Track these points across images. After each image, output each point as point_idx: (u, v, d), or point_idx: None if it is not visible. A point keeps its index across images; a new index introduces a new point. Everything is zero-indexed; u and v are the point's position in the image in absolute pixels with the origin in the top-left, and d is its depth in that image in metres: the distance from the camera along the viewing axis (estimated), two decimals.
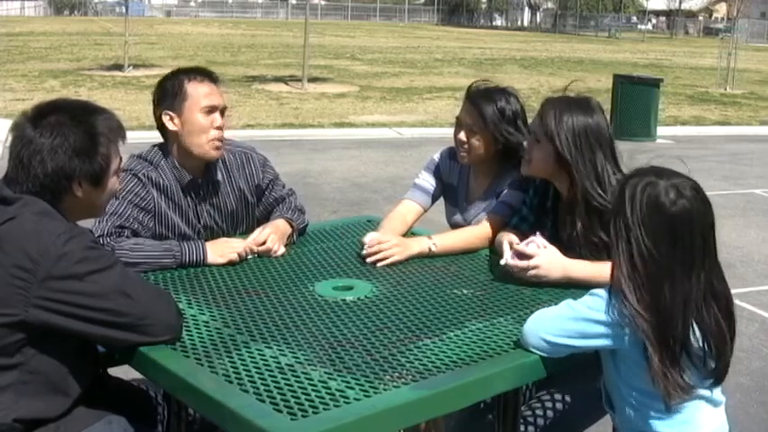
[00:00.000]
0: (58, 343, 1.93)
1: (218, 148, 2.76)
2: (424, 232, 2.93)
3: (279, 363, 1.91)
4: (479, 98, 2.88)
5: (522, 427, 2.39)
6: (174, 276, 2.51)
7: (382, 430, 1.76)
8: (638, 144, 11.29)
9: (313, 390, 1.78)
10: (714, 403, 2.04)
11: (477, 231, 2.86)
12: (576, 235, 2.54)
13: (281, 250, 2.75)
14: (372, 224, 3.12)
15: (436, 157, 3.13)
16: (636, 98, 12.37)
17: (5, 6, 55.53)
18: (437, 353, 1.98)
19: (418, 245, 2.76)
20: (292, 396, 1.75)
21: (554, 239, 2.58)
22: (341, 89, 17.51)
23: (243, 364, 1.90)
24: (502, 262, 2.51)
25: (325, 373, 1.86)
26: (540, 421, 2.43)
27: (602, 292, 1.99)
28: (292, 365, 1.90)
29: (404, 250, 2.70)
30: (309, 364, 1.90)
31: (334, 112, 14.28)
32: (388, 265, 2.66)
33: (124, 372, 2.19)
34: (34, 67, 19.42)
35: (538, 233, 2.54)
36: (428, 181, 3.10)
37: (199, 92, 2.72)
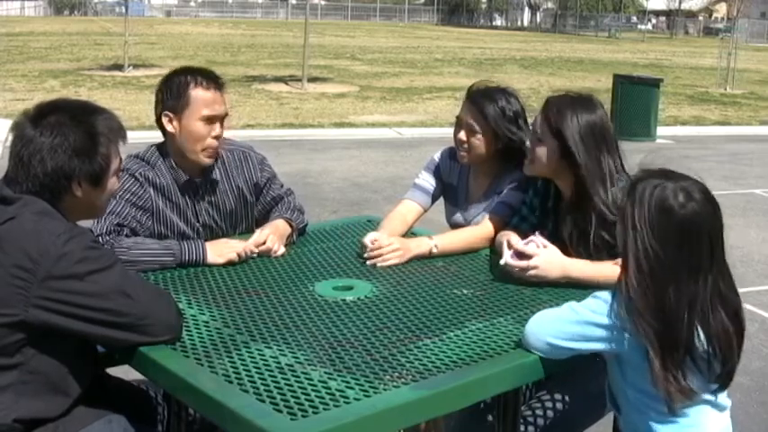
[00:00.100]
0: (58, 343, 1.93)
1: (210, 157, 2.76)
2: (424, 232, 2.93)
3: (279, 363, 1.91)
4: (480, 98, 2.88)
5: (522, 427, 2.39)
6: (174, 276, 2.51)
7: (382, 430, 1.76)
8: (638, 144, 11.28)
9: (313, 390, 1.78)
10: (719, 407, 2.03)
11: (478, 231, 2.86)
12: (577, 234, 2.54)
13: (281, 250, 2.75)
14: (372, 224, 3.12)
15: (436, 157, 3.13)
16: (636, 98, 12.37)
17: (5, 6, 55.54)
18: (437, 353, 1.98)
19: (420, 246, 2.75)
20: (292, 396, 1.75)
21: (555, 239, 2.58)
22: (341, 89, 17.51)
23: (243, 364, 1.90)
24: (501, 262, 2.51)
25: (325, 373, 1.86)
26: (540, 421, 2.43)
27: (605, 294, 1.99)
28: (292, 365, 1.90)
29: (405, 254, 2.70)
30: (309, 364, 1.90)
31: (334, 112, 14.28)
32: (388, 265, 2.66)
33: (124, 372, 2.18)
34: (34, 67, 19.42)
35: (537, 233, 2.54)
36: (428, 181, 3.10)
37: (202, 99, 2.70)
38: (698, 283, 1.90)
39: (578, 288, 2.40)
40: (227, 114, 2.79)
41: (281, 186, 3.04)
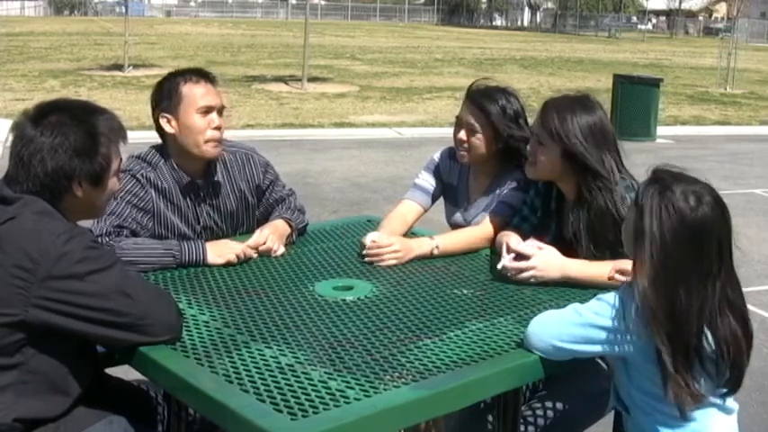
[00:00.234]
0: (58, 343, 1.93)
1: (216, 147, 2.76)
2: (425, 233, 2.93)
3: (279, 363, 1.91)
4: (480, 97, 2.88)
5: (522, 427, 2.39)
6: (174, 276, 2.51)
7: (382, 430, 1.76)
8: (638, 144, 11.28)
9: (313, 390, 1.78)
10: (726, 411, 2.03)
11: (479, 232, 2.86)
12: (580, 235, 2.54)
13: (281, 250, 2.75)
14: (372, 224, 3.12)
15: (436, 157, 3.13)
16: (636, 98, 12.37)
17: (5, 6, 55.53)
18: (437, 353, 1.98)
19: (421, 247, 2.75)
20: (292, 396, 1.75)
21: (558, 241, 2.58)
22: (341, 89, 17.51)
23: (243, 364, 1.90)
24: (499, 266, 2.51)
25: (325, 373, 1.86)
26: (540, 421, 2.43)
27: (609, 297, 1.98)
28: (292, 365, 1.90)
29: (405, 255, 2.70)
30: (309, 364, 1.90)
31: (334, 112, 14.28)
32: (388, 266, 2.66)
33: (124, 372, 2.19)
34: (34, 67, 19.42)
35: (532, 238, 2.54)
36: (428, 181, 3.10)
37: (194, 93, 2.71)
38: (707, 286, 1.90)
39: (579, 288, 2.40)
40: (223, 107, 2.79)
41: (284, 188, 3.04)
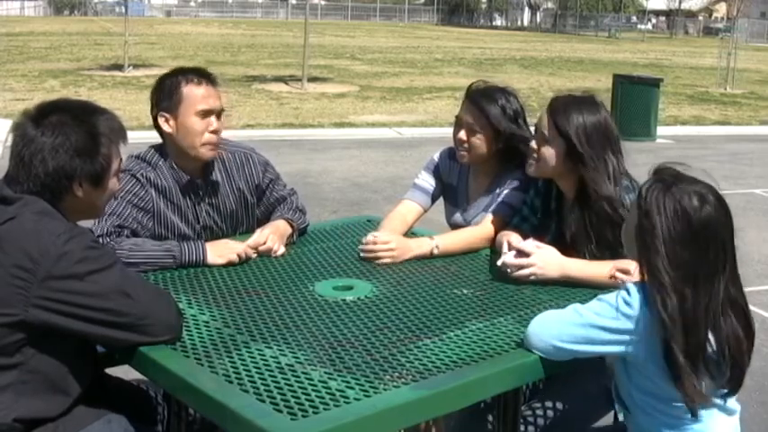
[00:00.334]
0: (58, 343, 1.93)
1: (211, 151, 2.76)
2: (425, 233, 2.93)
3: (279, 363, 1.91)
4: (480, 97, 2.88)
5: (522, 427, 2.39)
6: (174, 276, 2.51)
7: (382, 430, 1.76)
8: (639, 144, 11.28)
9: (313, 390, 1.78)
10: (728, 411, 2.03)
11: (479, 232, 2.86)
12: (581, 235, 2.54)
13: (281, 250, 2.75)
14: (372, 224, 3.12)
15: (436, 157, 3.13)
16: (636, 98, 12.37)
17: (5, 6, 55.53)
18: (437, 353, 1.98)
19: (421, 247, 2.75)
20: (292, 396, 1.75)
21: (558, 240, 2.58)
22: (341, 89, 17.51)
23: (243, 364, 1.90)
24: (499, 262, 2.51)
25: (325, 373, 1.86)
26: (540, 421, 2.43)
27: (610, 297, 1.98)
28: (292, 365, 1.90)
29: (402, 254, 2.70)
30: (309, 364, 1.90)
31: (334, 112, 14.28)
32: (388, 265, 2.66)
33: (124, 372, 2.19)
34: (34, 67, 19.41)
35: (531, 239, 2.55)
36: (428, 181, 3.10)
37: (195, 95, 2.71)
38: (713, 285, 1.91)
39: (579, 288, 2.40)
40: (223, 109, 2.79)
41: (285, 187, 3.04)
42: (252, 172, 2.92)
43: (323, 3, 70.68)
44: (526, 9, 73.81)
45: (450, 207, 3.14)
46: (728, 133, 13.82)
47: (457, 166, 3.06)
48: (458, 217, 3.06)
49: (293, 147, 10.71)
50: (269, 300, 2.33)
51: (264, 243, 2.71)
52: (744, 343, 1.94)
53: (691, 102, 17.98)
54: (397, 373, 1.87)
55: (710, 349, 1.92)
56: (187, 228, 2.80)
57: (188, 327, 2.10)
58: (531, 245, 2.49)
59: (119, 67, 18.76)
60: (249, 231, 2.85)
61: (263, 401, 1.73)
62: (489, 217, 2.86)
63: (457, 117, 2.94)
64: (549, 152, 2.55)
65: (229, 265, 2.61)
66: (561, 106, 2.55)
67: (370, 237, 2.73)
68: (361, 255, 2.70)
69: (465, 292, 2.44)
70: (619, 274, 2.34)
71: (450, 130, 3.04)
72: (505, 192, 2.88)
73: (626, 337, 1.94)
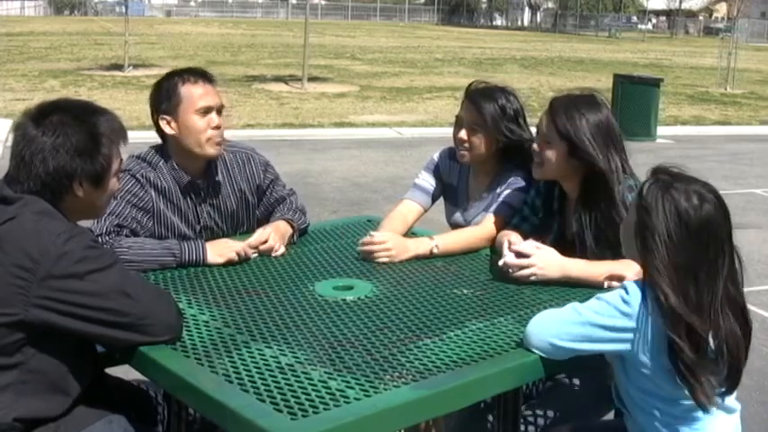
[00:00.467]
0: (58, 342, 1.93)
1: (218, 144, 2.76)
2: (425, 233, 2.93)
3: (279, 362, 1.91)
4: (480, 96, 2.88)
5: (522, 427, 2.39)
6: (174, 276, 2.51)
7: (382, 430, 1.76)
8: (639, 144, 11.28)
9: (313, 389, 1.78)
10: (728, 410, 2.03)
11: (479, 231, 2.86)
12: (583, 234, 2.54)
13: (281, 250, 2.76)
14: (372, 224, 3.12)
15: (436, 157, 3.13)
16: (636, 98, 12.37)
17: (5, 6, 55.53)
18: (437, 353, 1.98)
19: (420, 246, 2.75)
20: (292, 396, 1.75)
21: (560, 240, 2.58)
22: (341, 89, 17.51)
23: (243, 364, 1.90)
24: (500, 262, 2.51)
25: (326, 372, 1.86)
26: (540, 421, 2.43)
27: (609, 296, 1.99)
28: (292, 365, 1.90)
29: (398, 254, 2.70)
30: (309, 364, 1.90)
31: (334, 111, 14.28)
32: (388, 265, 2.66)
33: (124, 372, 2.19)
34: (34, 67, 19.41)
35: (531, 239, 2.54)
36: (428, 181, 3.10)
37: (193, 94, 2.71)
38: (714, 282, 1.91)
39: (579, 288, 2.40)
40: (222, 105, 2.79)
41: (284, 187, 3.04)
42: (253, 172, 2.93)
43: (323, 3, 70.68)
44: (526, 9, 73.80)
45: (450, 207, 3.14)
46: (728, 133, 13.82)
47: (457, 166, 3.06)
48: (458, 217, 3.06)
49: (293, 147, 10.71)
50: (269, 300, 2.33)
51: (266, 242, 2.71)
52: (741, 341, 1.95)
53: (691, 102, 17.98)
54: (397, 373, 1.87)
55: (709, 348, 1.92)
56: (187, 228, 2.80)
57: (188, 327, 2.10)
58: (530, 246, 2.49)
59: (119, 67, 18.76)
60: (249, 232, 2.85)
61: (263, 401, 1.73)
62: (489, 217, 2.86)
63: (457, 117, 2.94)
64: (552, 154, 2.54)
65: (229, 264, 2.61)
66: (561, 107, 2.54)
67: (367, 236, 2.73)
68: (359, 249, 2.70)
69: (465, 292, 2.44)
70: (613, 284, 2.33)
71: (450, 130, 3.04)
72: (506, 192, 2.88)
73: (625, 335, 1.95)
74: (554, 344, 1.97)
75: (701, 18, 71.55)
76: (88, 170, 2.01)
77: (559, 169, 2.56)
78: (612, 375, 2.16)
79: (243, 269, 2.60)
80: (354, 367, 1.89)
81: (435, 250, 2.75)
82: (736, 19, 26.50)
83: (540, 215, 2.74)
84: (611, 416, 2.50)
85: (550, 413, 2.44)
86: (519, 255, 2.48)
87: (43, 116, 2.00)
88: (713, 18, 71.71)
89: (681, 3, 62.62)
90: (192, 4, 72.80)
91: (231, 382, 1.82)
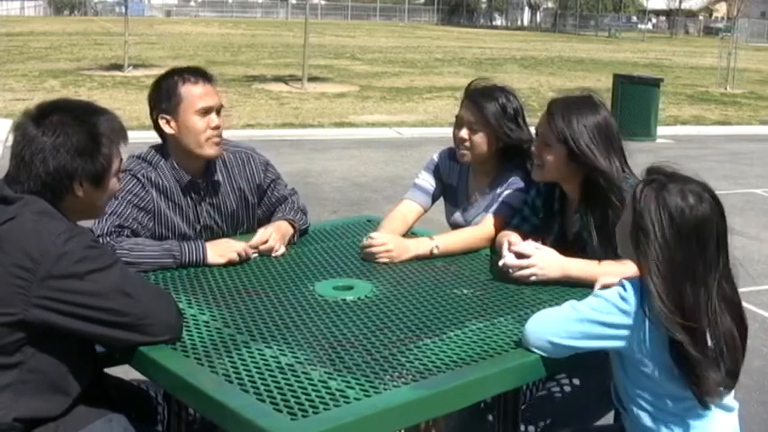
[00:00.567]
0: (58, 342, 1.93)
1: (217, 144, 2.76)
2: (425, 233, 2.93)
3: (279, 363, 1.91)
4: (480, 96, 2.88)
5: (522, 427, 2.39)
6: (174, 276, 2.51)
7: (382, 430, 1.76)
8: (639, 144, 11.28)
9: (313, 389, 1.78)
10: (726, 408, 2.04)
11: (479, 232, 2.86)
12: (584, 235, 2.54)
13: (282, 250, 2.76)
14: (372, 224, 3.12)
15: (435, 157, 3.13)
16: (636, 98, 12.37)
17: (5, 6, 55.53)
18: (437, 353, 1.98)
19: (420, 246, 2.75)
20: (292, 396, 1.75)
21: (561, 241, 2.58)
22: (341, 89, 17.51)
23: (243, 364, 1.90)
24: (500, 263, 2.51)
25: (325, 372, 1.86)
26: (540, 421, 2.43)
27: (606, 293, 1.99)
28: (292, 365, 1.90)
29: (398, 255, 2.70)
30: (309, 364, 1.90)
31: (334, 111, 14.28)
32: (388, 265, 2.66)
33: (124, 372, 2.19)
34: (34, 67, 19.41)
35: (530, 240, 2.54)
36: (428, 181, 3.10)
37: (193, 94, 2.71)
38: (710, 281, 1.92)
39: (579, 288, 2.40)
40: (222, 105, 2.79)
41: (286, 187, 3.04)
42: (253, 172, 2.93)
43: (323, 3, 70.67)
44: (526, 9, 73.80)
45: (450, 207, 3.14)
46: (728, 133, 13.83)
47: (457, 166, 3.06)
48: (458, 217, 3.06)
49: (293, 147, 10.71)
50: (269, 300, 2.33)
51: (267, 242, 2.71)
52: (738, 340, 1.95)
53: (691, 102, 17.98)
54: (397, 373, 1.87)
55: (708, 345, 1.93)
56: (187, 228, 2.80)
57: (188, 327, 2.10)
58: (530, 246, 2.49)
59: (119, 67, 18.76)
60: (250, 231, 2.86)
61: (263, 401, 1.73)
62: (489, 217, 2.86)
63: (457, 116, 2.94)
64: (551, 157, 2.54)
65: (230, 264, 2.61)
66: (560, 109, 2.53)
67: (367, 238, 2.73)
68: (360, 253, 2.70)
69: (465, 292, 2.44)
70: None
71: (450, 130, 3.04)
72: (506, 192, 2.88)
73: (623, 332, 1.95)
74: (553, 342, 1.98)
75: (700, 18, 71.56)
76: (88, 170, 2.01)
77: (559, 172, 2.56)
78: (612, 375, 2.16)
79: (243, 269, 2.60)
80: (354, 367, 1.89)
81: (435, 250, 2.75)
82: (735, 19, 26.51)
83: (540, 215, 2.74)
84: (610, 416, 2.50)
85: (551, 413, 2.44)
86: (519, 255, 2.48)
87: (43, 116, 2.00)
88: (713, 18, 71.72)
89: (681, 3, 62.62)
90: (192, 4, 72.80)
91: (231, 382, 1.82)
